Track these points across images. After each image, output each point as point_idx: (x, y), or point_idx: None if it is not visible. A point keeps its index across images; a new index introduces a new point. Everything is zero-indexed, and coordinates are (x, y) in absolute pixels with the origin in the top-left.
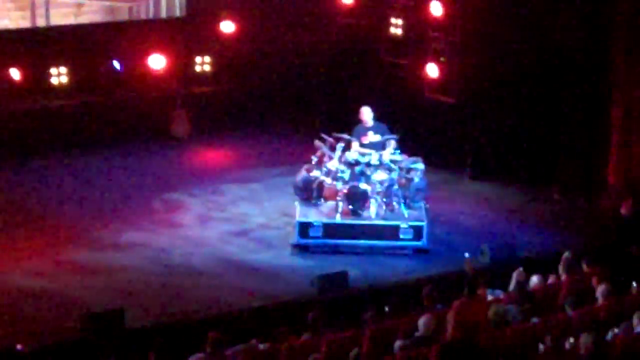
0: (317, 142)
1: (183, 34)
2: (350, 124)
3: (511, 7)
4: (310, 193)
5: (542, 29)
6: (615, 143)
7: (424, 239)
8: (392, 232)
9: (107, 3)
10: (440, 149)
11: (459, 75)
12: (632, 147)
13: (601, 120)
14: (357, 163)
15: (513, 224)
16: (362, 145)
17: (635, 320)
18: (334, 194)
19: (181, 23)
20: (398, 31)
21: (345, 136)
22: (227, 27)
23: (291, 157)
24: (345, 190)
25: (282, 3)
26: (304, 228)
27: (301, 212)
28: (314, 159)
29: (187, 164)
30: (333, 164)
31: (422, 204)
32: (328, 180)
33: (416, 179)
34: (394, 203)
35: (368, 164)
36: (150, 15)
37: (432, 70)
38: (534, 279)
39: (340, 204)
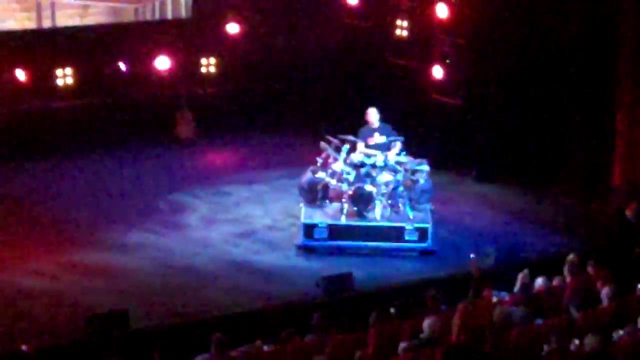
0: (322, 144)
1: (188, 36)
2: (355, 126)
3: (516, 9)
4: (316, 194)
5: (547, 31)
6: (620, 145)
7: (429, 241)
8: (397, 233)
9: (113, 4)
10: (446, 150)
11: (465, 77)
12: (636, 148)
13: (606, 122)
14: (363, 165)
15: (518, 225)
16: (367, 146)
17: None
18: (339, 196)
19: (187, 24)
20: (404, 33)
21: (351, 138)
22: (233, 28)
23: (296, 158)
24: (350, 192)
25: (287, 5)
26: (309, 229)
27: (306, 214)
28: (319, 161)
29: (192, 165)
30: (338, 166)
31: (427, 205)
32: (333, 182)
33: (421, 181)
34: (399, 205)
35: (373, 166)
36: (156, 17)
37: (437, 72)
38: (539, 281)
39: (346, 205)
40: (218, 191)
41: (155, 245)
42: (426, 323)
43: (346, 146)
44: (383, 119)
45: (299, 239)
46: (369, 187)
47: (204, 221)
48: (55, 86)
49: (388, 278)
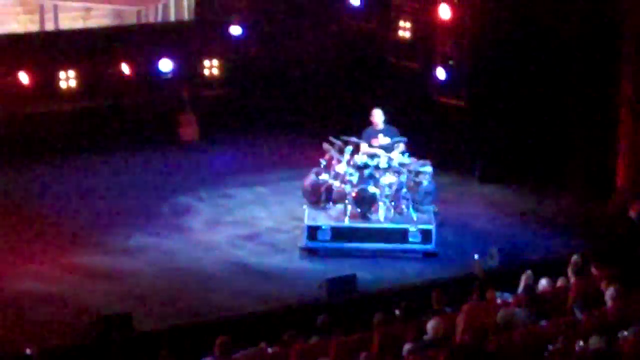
0: (325, 146)
1: (191, 38)
2: (358, 127)
3: (519, 10)
4: (319, 196)
5: (550, 31)
6: (624, 145)
7: (433, 242)
8: (400, 235)
9: (116, 7)
10: (449, 151)
11: (468, 78)
12: None
13: (609, 122)
14: (366, 166)
15: (522, 226)
16: (370, 146)
17: None
18: (342, 197)
19: (190, 27)
20: (406, 34)
21: (354, 139)
22: (236, 30)
23: (299, 160)
24: (353, 194)
25: (290, 6)
26: (313, 231)
27: (310, 216)
28: (323, 163)
29: (195, 168)
30: (342, 167)
31: (430, 207)
32: (336, 184)
33: (425, 182)
34: (403, 206)
35: (377, 167)
36: (159, 19)
37: (440, 73)
38: (543, 282)
39: (349, 207)
40: (221, 193)
41: (159, 247)
42: (430, 324)
43: (349, 148)
44: (387, 121)
45: (303, 241)
46: (372, 189)
47: (207, 224)
48: (58, 89)
49: (392, 280)
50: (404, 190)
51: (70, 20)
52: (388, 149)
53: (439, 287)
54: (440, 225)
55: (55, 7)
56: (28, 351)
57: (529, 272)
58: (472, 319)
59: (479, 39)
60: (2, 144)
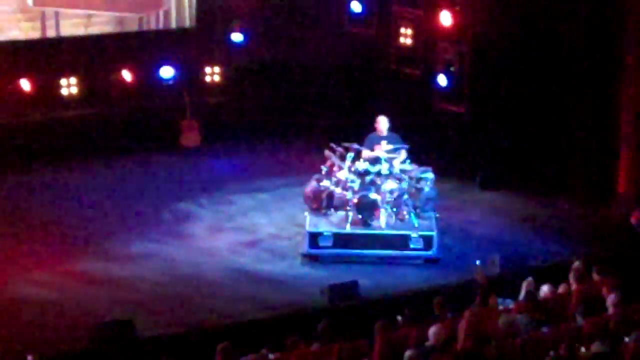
0: (326, 152)
1: (193, 45)
2: (359, 134)
3: (520, 17)
4: (320, 203)
5: (551, 38)
6: (625, 152)
7: (434, 249)
8: (402, 241)
9: (117, 14)
10: (451, 158)
11: (469, 84)
12: None
13: (611, 129)
14: (367, 173)
15: (523, 233)
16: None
17: None
18: (344, 204)
19: (191, 33)
20: (408, 41)
21: (355, 146)
22: (237, 37)
23: (301, 167)
24: (355, 200)
25: (291, 14)
26: (314, 238)
27: (311, 222)
28: (324, 169)
29: (197, 174)
30: (343, 174)
31: (432, 213)
32: (338, 190)
33: (426, 189)
34: (404, 213)
35: (378, 174)
36: (160, 26)
37: (441, 80)
38: (544, 288)
39: (350, 213)
40: (223, 200)
41: (160, 254)
42: (432, 331)
43: (350, 154)
44: (390, 128)
45: (304, 247)
46: (373, 195)
47: (209, 230)
48: (60, 96)
49: (393, 286)
50: (406, 196)
51: (72, 27)
52: (390, 156)
53: (440, 294)
54: (441, 231)
55: (57, 14)
56: (29, 358)
57: (530, 278)
58: (474, 325)
59: (480, 45)
60: (3, 150)
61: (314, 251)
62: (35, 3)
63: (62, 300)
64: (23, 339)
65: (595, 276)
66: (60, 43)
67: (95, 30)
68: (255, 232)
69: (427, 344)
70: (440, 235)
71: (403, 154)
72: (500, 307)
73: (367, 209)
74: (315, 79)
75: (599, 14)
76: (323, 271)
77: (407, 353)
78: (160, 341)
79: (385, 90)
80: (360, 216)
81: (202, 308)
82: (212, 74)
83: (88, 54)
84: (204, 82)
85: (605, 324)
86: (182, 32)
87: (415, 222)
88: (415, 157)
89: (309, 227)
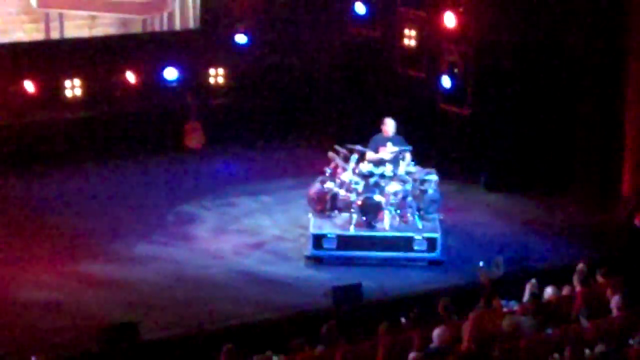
0: (330, 154)
1: (197, 46)
2: (364, 136)
3: (524, 17)
4: (324, 205)
5: (556, 40)
6: (629, 154)
7: (438, 251)
8: (406, 243)
9: (121, 15)
10: (455, 160)
11: (473, 86)
12: None
13: (615, 131)
14: (371, 175)
15: (527, 235)
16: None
17: None
18: (348, 206)
19: (195, 35)
20: (412, 43)
21: (359, 148)
22: (241, 39)
23: (305, 169)
24: (359, 202)
25: (295, 15)
26: (318, 240)
27: (315, 224)
28: (328, 171)
29: (201, 176)
30: (347, 176)
31: (436, 215)
32: (342, 192)
33: (430, 191)
34: (408, 214)
35: (382, 176)
36: (164, 28)
37: (445, 81)
38: (548, 290)
39: (354, 215)
40: (227, 202)
41: (164, 256)
42: (436, 333)
43: (355, 156)
44: (396, 131)
45: (308, 249)
46: (377, 197)
47: (212, 232)
48: (64, 97)
49: (397, 288)
50: (410, 198)
51: (76, 29)
52: (395, 158)
53: (444, 296)
54: (445, 233)
55: (61, 16)
56: (33, 359)
57: (533, 280)
58: (478, 327)
59: (485, 47)
60: (7, 152)
61: (318, 253)
62: (39, 5)
63: (67, 302)
64: (27, 341)
65: (600, 278)
66: (64, 45)
67: (99, 31)
68: (259, 234)
69: (432, 346)
70: (444, 237)
71: (407, 156)
72: (505, 309)
73: (371, 211)
74: (319, 81)
75: (602, 16)
76: (327, 273)
77: (411, 355)
78: (164, 343)
79: (390, 92)
80: (364, 218)
81: (206, 310)
82: (216, 75)
83: (92, 56)
84: (208, 84)
85: (609, 326)
86: (186, 33)
87: (419, 224)
88: (419, 158)
89: (313, 229)
